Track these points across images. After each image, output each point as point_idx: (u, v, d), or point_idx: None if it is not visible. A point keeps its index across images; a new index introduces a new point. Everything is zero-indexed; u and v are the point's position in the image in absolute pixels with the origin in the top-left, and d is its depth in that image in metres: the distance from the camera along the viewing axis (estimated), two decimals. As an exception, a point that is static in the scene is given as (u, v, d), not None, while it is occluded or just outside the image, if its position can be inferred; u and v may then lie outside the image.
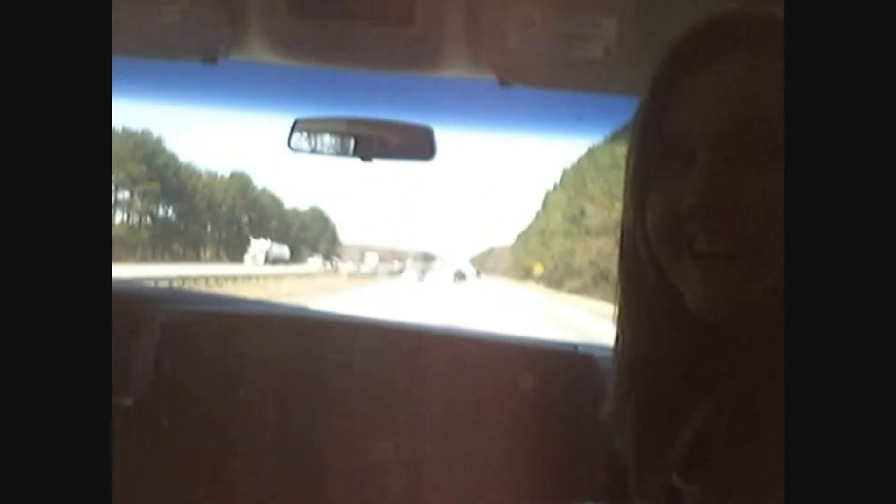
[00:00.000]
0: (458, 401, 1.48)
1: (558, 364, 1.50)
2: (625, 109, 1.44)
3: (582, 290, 43.56)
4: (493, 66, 1.17)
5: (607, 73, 1.17)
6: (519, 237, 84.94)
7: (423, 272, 57.01)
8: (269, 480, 1.51)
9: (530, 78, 1.21)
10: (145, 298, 1.59)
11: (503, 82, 1.19)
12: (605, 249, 39.97)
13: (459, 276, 56.46)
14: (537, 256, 59.84)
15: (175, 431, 1.51)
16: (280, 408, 1.52)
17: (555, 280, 52.46)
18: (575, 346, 1.55)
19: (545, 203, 62.87)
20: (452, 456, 1.48)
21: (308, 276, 44.14)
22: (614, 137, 1.49)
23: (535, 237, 65.69)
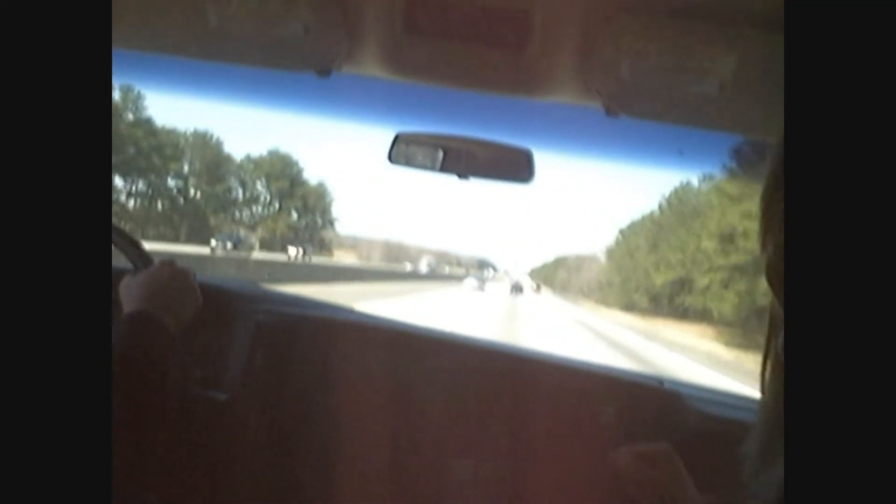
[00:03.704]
0: (538, 426, 1.48)
1: (642, 398, 1.48)
2: (727, 146, 1.43)
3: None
4: (602, 95, 1.17)
5: (719, 109, 1.16)
6: (620, 243, 54.71)
7: (483, 281, 56.61)
8: (349, 486, 1.53)
9: (639, 109, 1.21)
10: (243, 297, 1.64)
11: (610, 112, 1.19)
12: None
13: (517, 288, 55.83)
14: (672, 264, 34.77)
15: (262, 429, 1.55)
16: (364, 416, 1.55)
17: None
18: (661, 381, 1.53)
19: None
20: (531, 481, 1.48)
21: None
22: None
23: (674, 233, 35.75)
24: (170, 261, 1.34)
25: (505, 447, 1.50)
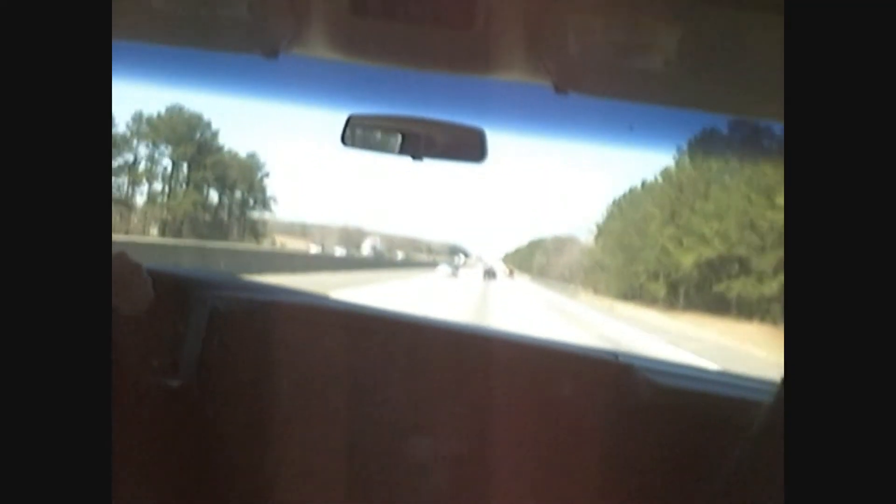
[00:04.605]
0: (496, 402, 1.50)
1: (597, 372, 1.50)
2: (677, 120, 1.44)
3: None
4: (550, 72, 1.17)
5: (665, 84, 1.17)
6: (616, 217, 41.18)
7: (457, 267, 56.26)
8: (307, 469, 1.53)
9: (587, 86, 1.22)
10: (197, 283, 1.63)
11: (559, 89, 1.19)
12: None
13: (490, 273, 55.68)
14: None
15: (217, 415, 1.54)
16: (322, 398, 1.55)
17: None
18: (615, 355, 1.55)
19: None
20: (488, 456, 1.49)
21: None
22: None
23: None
24: (122, 252, 1.35)
25: (463, 424, 1.51)
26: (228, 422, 1.54)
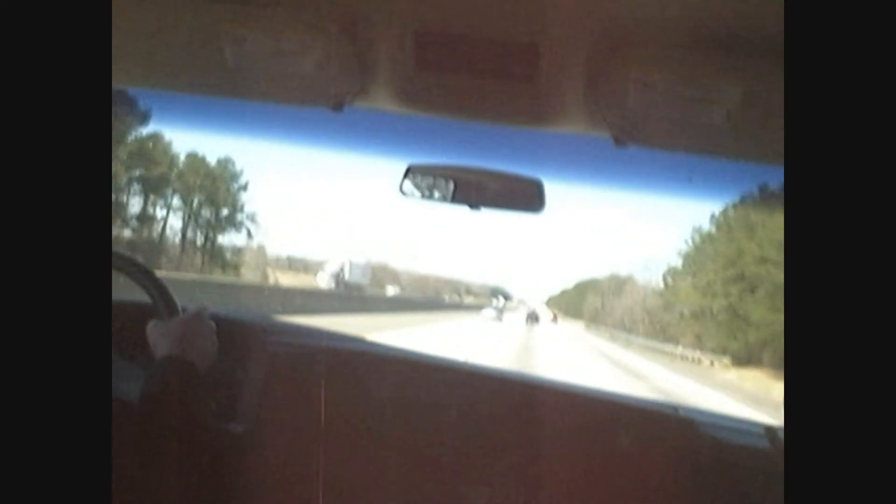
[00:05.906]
0: (552, 453, 1.48)
1: (657, 425, 1.47)
2: (736, 172, 1.43)
3: None
4: (610, 125, 1.18)
5: (726, 137, 1.17)
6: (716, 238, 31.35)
7: (501, 311, 55.59)
8: None
9: (647, 138, 1.22)
10: (256, 328, 1.66)
11: (618, 141, 1.20)
12: None
13: (532, 317, 54.97)
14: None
15: (279, 460, 1.55)
16: (379, 445, 1.55)
17: None
18: (676, 409, 1.52)
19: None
20: None
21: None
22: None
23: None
24: (203, 309, 1.45)
25: (520, 474, 1.49)
26: (289, 466, 1.55)
